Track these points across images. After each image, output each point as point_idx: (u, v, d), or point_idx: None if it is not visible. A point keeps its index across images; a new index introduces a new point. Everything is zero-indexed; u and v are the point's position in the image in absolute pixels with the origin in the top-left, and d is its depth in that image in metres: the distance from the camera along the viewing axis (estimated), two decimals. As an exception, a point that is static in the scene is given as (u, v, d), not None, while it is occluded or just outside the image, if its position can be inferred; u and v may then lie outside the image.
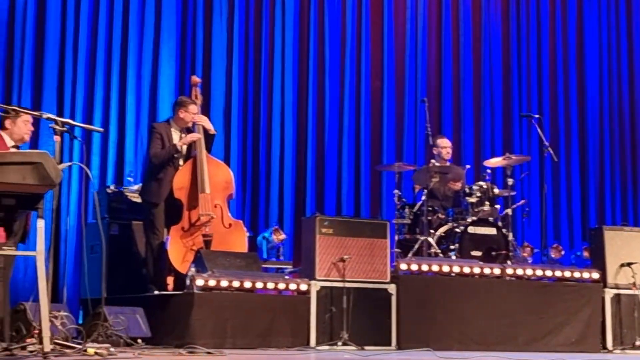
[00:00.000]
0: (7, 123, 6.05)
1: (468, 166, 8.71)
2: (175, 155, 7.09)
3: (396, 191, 8.19)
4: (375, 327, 6.91)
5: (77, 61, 8.61)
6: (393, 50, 10.51)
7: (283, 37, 9.90)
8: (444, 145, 8.56)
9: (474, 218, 7.82)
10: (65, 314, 5.12)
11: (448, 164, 8.49)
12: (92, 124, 8.32)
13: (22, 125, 5.94)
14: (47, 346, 3.89)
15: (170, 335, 6.33)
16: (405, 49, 10.56)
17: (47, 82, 8.44)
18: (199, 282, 6.38)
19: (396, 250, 7.83)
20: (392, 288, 7.04)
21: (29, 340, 4.26)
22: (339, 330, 6.71)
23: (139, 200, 7.46)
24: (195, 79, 7.67)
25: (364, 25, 10.38)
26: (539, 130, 8.89)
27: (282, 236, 8.67)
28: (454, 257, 7.62)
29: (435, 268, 7.23)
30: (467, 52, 10.84)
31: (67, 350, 4.17)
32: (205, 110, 8.12)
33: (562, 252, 9.86)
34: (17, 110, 5.13)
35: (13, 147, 5.84)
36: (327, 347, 6.62)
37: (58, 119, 4.56)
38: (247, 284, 6.56)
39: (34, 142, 7.60)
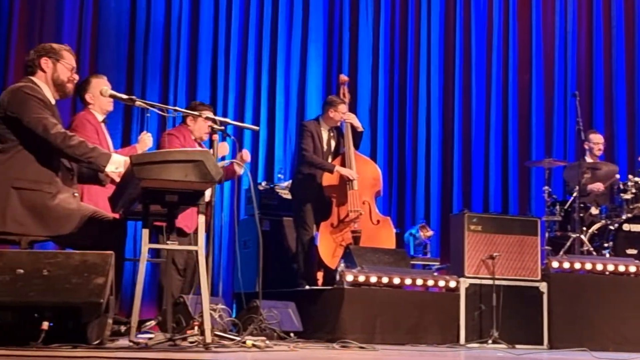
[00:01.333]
0: (189, 120, 6.38)
1: (617, 176, 8.25)
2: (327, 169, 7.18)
3: (546, 187, 8.02)
4: (526, 325, 6.79)
5: (229, 62, 8.88)
6: (542, 42, 10.27)
7: (429, 33, 9.85)
8: (596, 142, 8.32)
9: (629, 215, 7.56)
10: (223, 307, 5.28)
11: (599, 160, 8.26)
12: (243, 122, 8.54)
13: (203, 125, 6.21)
14: (209, 337, 4.02)
15: (321, 329, 6.42)
16: (554, 40, 10.29)
17: (200, 82, 8.74)
18: (349, 277, 6.45)
19: (547, 247, 7.67)
20: (543, 286, 6.89)
21: (189, 332, 4.40)
22: (489, 328, 6.63)
23: (289, 196, 7.62)
24: (344, 77, 7.76)
25: (511, 16, 10.18)
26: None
27: (429, 233, 8.63)
28: (607, 256, 7.39)
29: (588, 266, 7.03)
30: (619, 42, 10.43)
31: (226, 342, 4.30)
32: (352, 108, 8.18)
33: None
34: (188, 113, 5.35)
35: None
36: (476, 345, 6.55)
37: (217, 118, 4.72)
38: (396, 280, 6.58)
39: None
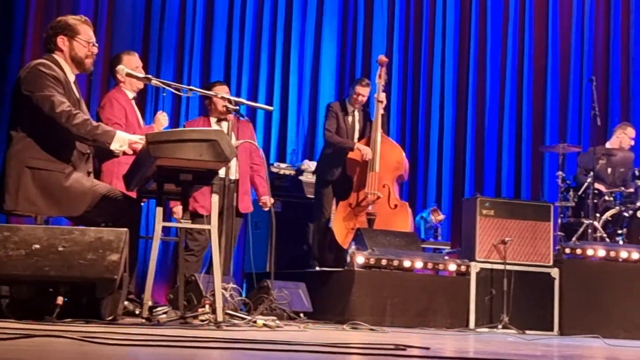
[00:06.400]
0: (207, 103, 6.39)
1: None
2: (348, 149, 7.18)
3: (560, 173, 7.99)
4: (536, 311, 6.79)
5: (243, 43, 8.87)
6: (558, 27, 10.20)
7: (444, 15, 9.80)
8: (631, 135, 8.30)
9: (644, 202, 7.52)
10: (234, 286, 5.30)
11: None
12: (256, 102, 8.53)
13: (220, 105, 6.20)
14: (220, 316, 4.05)
15: (331, 310, 6.45)
16: (571, 25, 10.22)
17: (214, 62, 8.73)
18: (359, 259, 6.46)
19: (559, 233, 7.65)
20: (555, 272, 6.89)
21: (200, 310, 4.42)
22: (499, 313, 6.64)
23: (301, 177, 7.63)
24: (383, 58, 7.66)
25: (527, 0, 10.12)
26: None
27: (441, 217, 8.62)
28: (621, 242, 7.37)
29: (601, 253, 7.01)
30: (637, 28, 10.36)
31: (237, 321, 4.32)
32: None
33: None
34: (203, 93, 5.35)
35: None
36: (486, 330, 6.56)
37: (232, 97, 4.72)
38: (407, 263, 6.59)
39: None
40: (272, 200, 6.41)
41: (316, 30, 9.26)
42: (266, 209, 6.35)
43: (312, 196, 7.54)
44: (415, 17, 9.75)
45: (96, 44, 4.48)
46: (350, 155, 7.20)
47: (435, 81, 9.70)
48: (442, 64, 9.74)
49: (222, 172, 5.05)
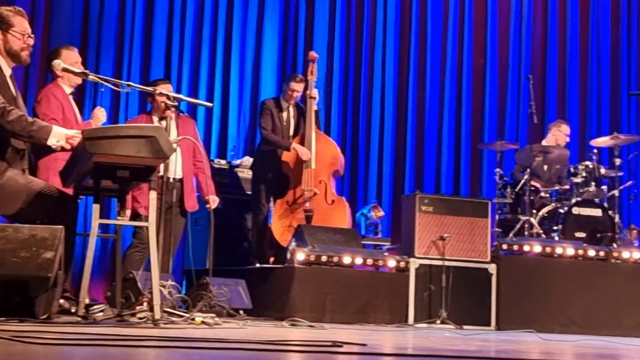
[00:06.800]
0: (150, 100, 6.30)
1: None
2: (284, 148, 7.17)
3: (497, 170, 8.10)
4: (474, 306, 6.88)
5: (183, 38, 8.80)
6: (497, 26, 10.35)
7: (385, 14, 9.86)
8: (566, 132, 8.45)
9: (579, 199, 7.67)
10: (172, 283, 5.26)
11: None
12: (197, 99, 8.47)
13: (160, 101, 6.13)
14: (158, 314, 4.01)
15: (271, 307, 6.44)
16: (509, 25, 10.37)
17: (155, 57, 8.64)
18: (300, 256, 6.47)
19: (497, 229, 7.76)
20: (492, 268, 6.98)
21: (138, 308, 4.38)
22: (438, 309, 6.71)
23: (242, 174, 7.61)
24: (313, 54, 7.66)
25: (467, 0, 10.24)
26: (649, 109, 8.64)
27: (381, 213, 8.68)
28: (557, 239, 7.50)
29: (537, 249, 7.13)
30: (574, 27, 10.57)
31: (175, 319, 4.29)
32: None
33: (671, 236, 9.53)
34: (141, 89, 5.28)
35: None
36: (425, 325, 6.62)
37: (170, 94, 4.68)
38: (347, 260, 6.62)
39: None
40: (218, 200, 6.38)
41: (257, 26, 9.23)
42: (212, 208, 6.30)
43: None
44: (357, 14, 9.78)
45: (32, 35, 4.40)
46: (286, 154, 7.19)
47: (376, 78, 9.75)
48: (383, 61, 9.80)
49: (165, 171, 5.03)
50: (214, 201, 6.30)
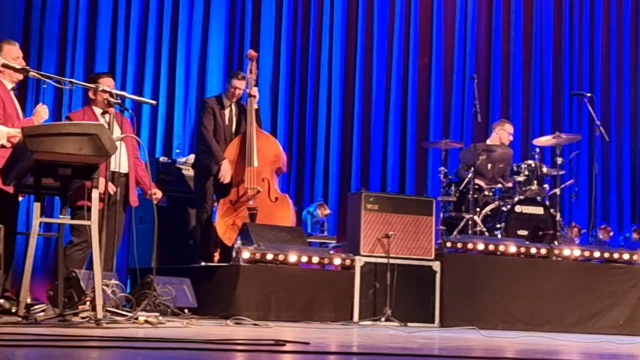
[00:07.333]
0: (91, 94, 6.18)
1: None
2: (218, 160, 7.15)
3: (442, 168, 8.18)
4: (418, 304, 6.94)
5: (128, 34, 8.71)
6: (442, 25, 10.43)
7: (331, 12, 9.88)
8: (510, 131, 8.57)
9: (521, 197, 7.77)
10: (116, 282, 5.22)
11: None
12: (142, 96, 8.40)
13: (100, 97, 6.03)
14: (100, 313, 3.98)
15: (216, 306, 6.42)
16: (454, 24, 10.47)
17: (99, 54, 8.54)
18: (245, 254, 6.45)
19: (441, 227, 7.83)
20: (436, 265, 7.05)
21: (81, 307, 4.34)
22: (382, 306, 6.75)
23: (187, 172, 7.56)
24: (252, 52, 7.64)
25: (413, 0, 10.31)
26: (590, 109, 8.80)
27: (327, 211, 8.70)
28: (499, 236, 7.60)
29: (480, 246, 7.22)
30: (517, 28, 10.71)
31: (118, 318, 4.26)
32: (253, 85, 8.15)
33: (611, 234, 9.72)
34: (84, 85, 5.21)
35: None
36: (370, 323, 6.66)
37: (113, 91, 4.63)
38: (292, 258, 6.62)
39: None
40: (161, 193, 6.35)
41: (203, 23, 9.17)
42: (157, 201, 6.24)
43: (196, 191, 7.48)
44: (303, 12, 9.79)
45: None
46: (227, 151, 7.14)
47: (322, 76, 9.77)
48: (330, 59, 9.82)
49: (114, 165, 4.99)
50: (159, 193, 6.27)
